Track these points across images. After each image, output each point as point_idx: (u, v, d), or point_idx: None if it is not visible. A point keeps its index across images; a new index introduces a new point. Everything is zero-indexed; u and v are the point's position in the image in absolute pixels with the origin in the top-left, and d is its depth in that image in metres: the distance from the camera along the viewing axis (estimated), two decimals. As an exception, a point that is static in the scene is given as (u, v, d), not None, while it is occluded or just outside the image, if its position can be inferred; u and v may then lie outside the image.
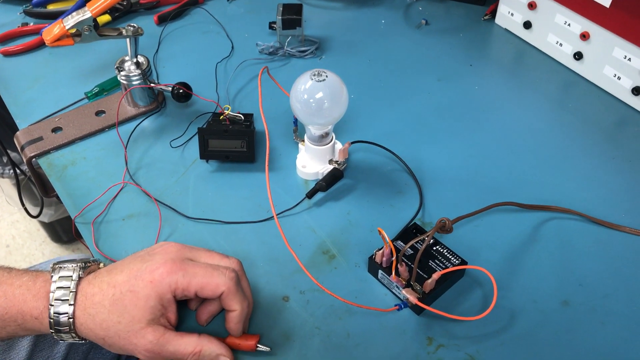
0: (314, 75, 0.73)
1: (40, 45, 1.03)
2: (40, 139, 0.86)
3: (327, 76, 0.73)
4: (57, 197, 0.86)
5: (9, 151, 1.08)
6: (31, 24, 1.07)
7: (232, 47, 1.03)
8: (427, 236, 0.63)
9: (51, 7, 1.09)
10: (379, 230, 0.64)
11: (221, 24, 1.08)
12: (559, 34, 0.96)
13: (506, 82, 0.97)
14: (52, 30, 0.79)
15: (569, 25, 0.93)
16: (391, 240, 0.69)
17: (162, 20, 1.08)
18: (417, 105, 0.92)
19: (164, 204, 0.78)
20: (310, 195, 0.78)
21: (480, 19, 1.09)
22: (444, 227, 0.64)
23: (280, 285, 0.70)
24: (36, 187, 1.06)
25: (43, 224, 1.85)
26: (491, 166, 0.83)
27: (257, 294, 0.69)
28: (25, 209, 1.09)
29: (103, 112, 0.91)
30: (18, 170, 1.06)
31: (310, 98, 0.73)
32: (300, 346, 0.64)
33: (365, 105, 0.92)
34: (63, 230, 1.87)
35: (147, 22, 1.09)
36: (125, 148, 0.85)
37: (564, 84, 0.96)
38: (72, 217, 0.78)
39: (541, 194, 0.79)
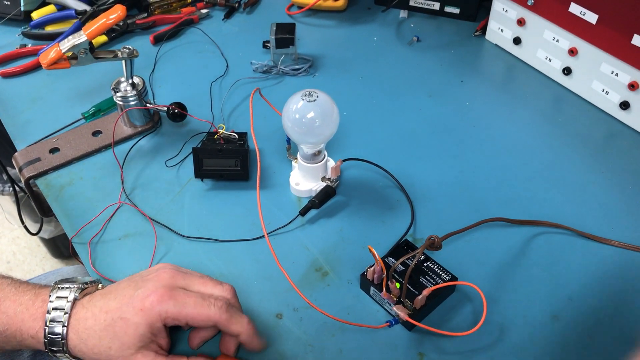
0: (305, 95, 0.74)
1: (38, 66, 1.05)
2: (38, 159, 0.88)
3: (317, 96, 0.74)
4: (56, 217, 0.87)
5: (8, 169, 1.09)
6: (29, 45, 1.08)
7: (227, 66, 1.05)
8: (417, 253, 0.64)
9: (49, 29, 1.11)
10: (369, 249, 0.65)
11: (216, 43, 1.09)
12: (548, 49, 0.97)
13: (497, 98, 0.98)
14: (48, 54, 0.81)
15: (557, 41, 0.95)
16: (382, 257, 0.71)
17: (158, 40, 1.10)
18: (409, 122, 0.94)
19: (160, 223, 0.80)
20: (303, 212, 0.79)
21: (471, 35, 1.10)
22: (433, 244, 0.65)
23: (273, 302, 0.71)
24: (34, 202, 1.08)
25: (43, 240, 1.86)
26: (481, 182, 0.84)
27: (250, 312, 0.70)
28: (25, 227, 1.10)
29: (100, 132, 0.92)
30: (17, 188, 1.08)
31: (302, 118, 0.74)
32: (294, 363, 0.65)
33: (358, 122, 0.94)
34: (64, 246, 1.88)
35: (143, 42, 1.10)
36: (122, 168, 0.86)
37: (554, 99, 0.97)
38: (69, 238, 0.79)
39: (531, 208, 0.80)
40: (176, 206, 0.82)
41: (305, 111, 0.74)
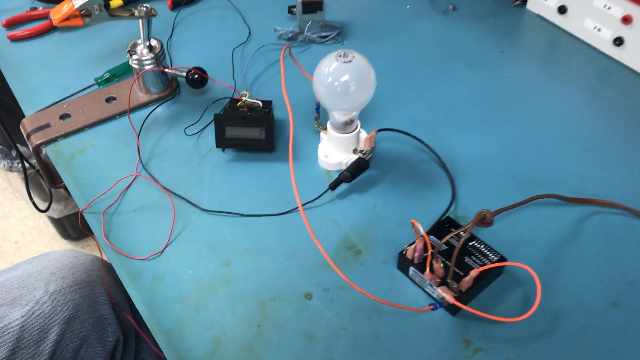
0: (340, 56, 0.67)
1: (49, 30, 0.99)
2: (47, 126, 0.82)
3: (353, 57, 0.67)
4: (65, 189, 0.81)
5: (18, 145, 1.04)
6: (40, 8, 1.02)
7: (250, 33, 0.98)
8: (466, 230, 0.58)
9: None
10: (412, 223, 0.59)
11: (238, 9, 1.03)
12: (597, 18, 0.90)
13: (541, 70, 0.91)
14: (60, 9, 0.74)
15: (609, 8, 0.87)
16: (426, 235, 0.64)
17: (176, 5, 1.03)
18: (447, 93, 0.87)
19: (178, 196, 0.73)
20: (333, 186, 0.73)
21: (510, 4, 1.03)
22: (484, 220, 0.58)
23: (302, 281, 0.65)
24: (44, 180, 1.02)
25: (52, 220, 1.81)
26: (528, 157, 0.77)
27: (277, 291, 0.64)
28: (33, 203, 1.04)
29: (114, 98, 0.86)
30: (27, 164, 1.02)
31: (335, 81, 0.67)
32: (325, 349, 0.59)
33: (391, 93, 0.87)
34: (72, 227, 1.83)
35: (160, 7, 1.03)
36: (138, 136, 0.80)
37: (602, 72, 0.90)
38: (80, 209, 0.73)
39: (583, 186, 0.73)
40: (195, 178, 0.76)
41: (340, 74, 0.67)
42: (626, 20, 0.85)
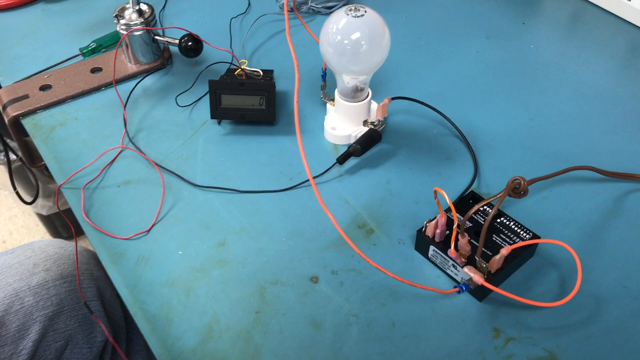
0: (350, 10, 0.60)
1: (33, 1, 0.92)
2: (25, 97, 0.74)
3: (365, 11, 0.60)
4: (46, 168, 0.73)
5: (5, 139, 0.96)
6: (24, -21, 0.95)
7: (249, 4, 0.91)
8: (499, 198, 0.50)
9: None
10: (435, 191, 0.51)
11: (236, -20, 0.96)
12: (627, -14, 0.83)
13: (566, 42, 0.83)
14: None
15: (640, -26, 0.80)
16: (447, 209, 0.56)
17: (171, -23, 0.96)
18: (465, 65, 0.79)
19: (168, 170, 0.66)
20: (342, 160, 0.65)
21: (529, -23, 0.96)
22: (518, 189, 0.51)
23: (307, 263, 0.57)
24: (30, 171, 0.94)
25: (42, 218, 1.73)
26: (557, 131, 0.70)
27: (279, 274, 0.56)
28: (17, 193, 0.97)
29: (100, 69, 0.78)
30: (13, 156, 0.95)
31: (345, 39, 0.60)
32: (334, 337, 0.51)
33: (405, 64, 0.79)
34: (62, 225, 1.75)
35: (153, -21, 0.97)
36: (124, 107, 0.73)
37: (634, 44, 0.82)
38: (58, 185, 0.65)
39: (620, 161, 0.66)
40: (188, 152, 0.68)
41: (350, 30, 0.60)
42: (660, -14, 0.78)
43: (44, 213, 1.66)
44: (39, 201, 1.59)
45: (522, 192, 0.51)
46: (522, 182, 0.50)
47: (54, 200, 1.65)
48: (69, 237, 1.79)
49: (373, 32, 0.60)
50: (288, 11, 0.89)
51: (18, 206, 1.90)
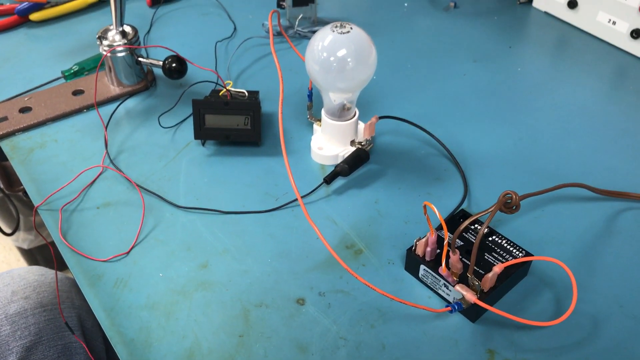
0: (336, 27, 0.59)
1: (15, 25, 0.90)
2: (4, 119, 0.72)
3: (351, 28, 0.59)
4: (24, 193, 0.71)
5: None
6: (6, 4, 0.94)
7: (235, 29, 0.90)
8: (490, 212, 0.48)
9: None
10: (425, 205, 0.49)
11: (222, 5, 0.95)
12: (611, 10, 0.83)
13: (553, 65, 0.83)
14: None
15: (624, -2, 0.81)
16: (438, 227, 0.54)
17: (155, 2, 0.95)
18: (453, 87, 0.79)
19: (149, 191, 0.64)
20: (329, 179, 0.63)
21: (514, 3, 0.96)
22: (509, 204, 0.49)
23: (293, 285, 0.54)
24: (12, 203, 0.92)
25: (23, 252, 1.68)
26: (547, 150, 0.69)
27: (264, 296, 0.53)
28: (-3, 224, 0.94)
29: (82, 91, 0.77)
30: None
31: (330, 56, 0.59)
32: (321, 361, 0.49)
33: (392, 86, 0.79)
34: (44, 260, 1.70)
35: (139, 4, 0.96)
36: (106, 128, 0.71)
37: (619, 67, 0.83)
38: (35, 206, 0.63)
39: (611, 179, 0.64)
40: (170, 173, 0.66)
41: (336, 47, 0.59)
42: (644, 9, 0.79)
43: (25, 247, 1.62)
44: (20, 234, 1.55)
45: (514, 207, 0.49)
46: (514, 196, 0.49)
47: (35, 234, 1.61)
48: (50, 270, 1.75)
49: (359, 49, 0.60)
50: (277, 34, 0.88)
51: (-2, 239, 1.86)
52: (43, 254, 1.69)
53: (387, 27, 0.91)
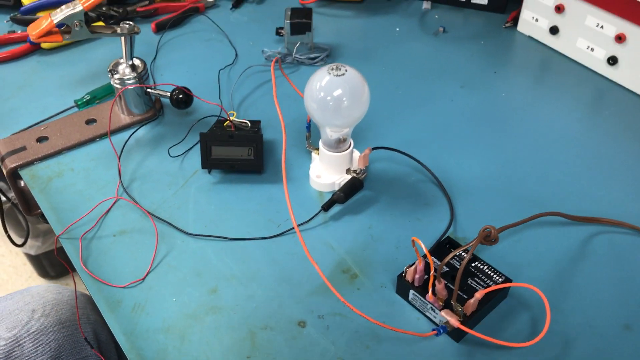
0: (332, 69, 0.65)
1: (28, 53, 0.95)
2: (23, 148, 0.77)
3: (346, 70, 0.65)
4: (42, 216, 0.76)
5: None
6: (19, 32, 0.99)
7: (236, 55, 0.95)
8: (470, 246, 0.54)
9: (40, 15, 1.02)
10: (413, 240, 0.55)
11: (224, 32, 1.00)
12: (590, 37, 0.89)
13: (535, 90, 0.89)
14: (39, 24, 0.71)
15: (601, 27, 0.86)
16: (424, 255, 0.60)
17: (160, 28, 1.00)
18: (441, 113, 0.84)
19: (161, 219, 0.69)
20: (326, 207, 0.69)
21: (501, 27, 1.01)
22: (489, 237, 0.55)
23: (295, 308, 0.60)
24: (21, 213, 0.96)
25: (30, 257, 1.74)
26: (527, 176, 0.74)
27: (268, 319, 0.59)
28: (9, 236, 0.99)
29: (94, 120, 0.82)
30: (3, 198, 0.97)
31: (327, 95, 0.65)
32: (321, 380, 0.54)
33: (384, 112, 0.84)
34: (50, 265, 1.76)
35: (144, 30, 1.01)
36: (119, 158, 0.76)
37: (598, 91, 0.88)
38: (57, 235, 0.68)
39: (585, 205, 0.70)
40: (180, 201, 0.72)
41: (332, 88, 0.64)
42: (620, 38, 0.84)
43: (32, 253, 1.68)
44: (28, 241, 1.60)
45: (493, 240, 0.55)
46: (493, 230, 0.54)
47: (42, 240, 1.66)
48: (56, 276, 1.80)
49: (353, 89, 0.65)
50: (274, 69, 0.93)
51: (5, 245, 1.91)
52: (49, 259, 1.74)
53: (379, 52, 0.96)
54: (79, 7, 0.71)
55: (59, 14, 0.71)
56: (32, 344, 0.74)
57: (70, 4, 0.72)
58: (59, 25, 0.72)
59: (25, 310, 0.77)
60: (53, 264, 1.75)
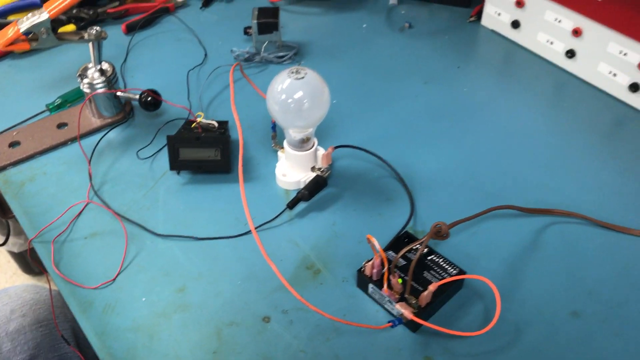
0: (292, 72, 0.67)
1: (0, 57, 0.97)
2: (-5, 154, 0.79)
3: (306, 73, 0.67)
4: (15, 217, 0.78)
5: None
6: (-10, 35, 1.00)
7: (206, 55, 0.97)
8: (421, 243, 0.57)
9: (12, 18, 1.03)
10: (368, 238, 0.58)
11: (194, 32, 1.02)
12: (549, 31, 0.91)
13: (496, 84, 0.91)
14: (5, 33, 0.72)
15: (559, 21, 0.89)
16: (382, 250, 0.63)
17: (131, 29, 1.02)
18: (404, 109, 0.87)
19: (131, 221, 0.71)
20: (291, 205, 0.71)
21: (465, 21, 1.04)
22: (440, 233, 0.58)
23: (260, 304, 0.63)
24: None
25: (13, 254, 1.75)
26: (486, 169, 0.77)
27: (235, 315, 0.62)
28: (-11, 236, 1.01)
29: (65, 124, 0.84)
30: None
31: (288, 98, 0.67)
32: (284, 372, 0.57)
33: (349, 110, 0.86)
34: (34, 261, 1.77)
35: (114, 32, 1.02)
36: (89, 162, 0.78)
37: (557, 84, 0.91)
38: (29, 239, 0.70)
39: (541, 197, 0.73)
40: (149, 202, 0.74)
41: (293, 90, 0.67)
42: (576, 32, 0.87)
43: (16, 250, 1.69)
44: (10, 239, 1.62)
45: (444, 235, 0.58)
46: (443, 226, 0.57)
47: (25, 238, 1.68)
48: (40, 273, 1.82)
49: (314, 91, 0.67)
50: (244, 61, 0.95)
51: (-12, 242, 1.92)
52: (33, 256, 1.76)
53: (347, 50, 0.98)
54: (45, 15, 0.72)
55: (25, 23, 0.72)
56: (10, 344, 0.76)
57: (36, 11, 0.73)
58: (26, 33, 0.73)
59: (3, 311, 0.80)
60: (37, 259, 1.77)
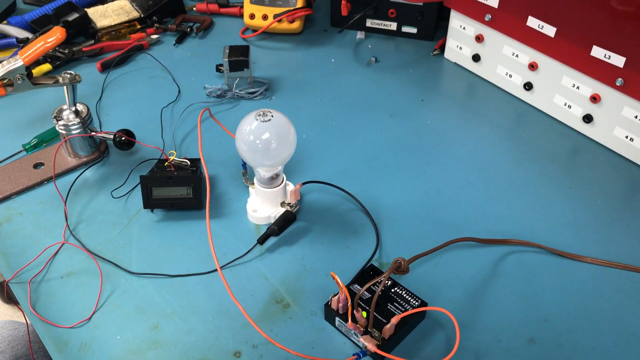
0: (259, 115, 0.70)
1: (-24, 98, 0.99)
2: (-28, 195, 0.81)
3: (272, 116, 0.70)
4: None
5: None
6: (-33, 76, 1.02)
7: (179, 92, 1.00)
8: (383, 278, 0.60)
9: (-11, 58, 1.05)
10: (332, 275, 0.61)
11: (167, 69, 1.05)
12: (508, 65, 0.96)
13: (459, 116, 0.95)
14: (-20, 81, 0.75)
15: (517, 56, 0.93)
16: (347, 285, 0.66)
17: (106, 67, 1.05)
18: (370, 143, 0.90)
19: (106, 260, 0.73)
20: (261, 240, 0.74)
21: (429, 54, 1.08)
22: (400, 268, 0.61)
23: (231, 340, 0.65)
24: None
25: (-7, 284, 1.75)
26: (447, 201, 0.81)
27: (206, 351, 0.64)
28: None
29: (42, 164, 0.86)
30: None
31: (256, 139, 0.70)
32: (254, 406, 0.60)
33: (318, 144, 0.90)
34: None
35: (90, 70, 1.05)
36: (65, 202, 0.80)
37: (516, 115, 0.95)
38: (6, 280, 0.72)
39: (500, 227, 0.77)
40: (124, 240, 0.76)
41: (260, 132, 0.70)
42: (532, 66, 0.91)
43: (-6, 281, 1.70)
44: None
45: (404, 270, 0.61)
46: (402, 262, 0.60)
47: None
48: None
49: (280, 132, 0.70)
50: (216, 97, 0.98)
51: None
52: (9, 293, 1.76)
53: (315, 84, 1.02)
54: (19, 63, 0.75)
55: (1, 70, 0.75)
56: None
57: (11, 59, 0.76)
58: (1, 79, 0.76)
59: None
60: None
